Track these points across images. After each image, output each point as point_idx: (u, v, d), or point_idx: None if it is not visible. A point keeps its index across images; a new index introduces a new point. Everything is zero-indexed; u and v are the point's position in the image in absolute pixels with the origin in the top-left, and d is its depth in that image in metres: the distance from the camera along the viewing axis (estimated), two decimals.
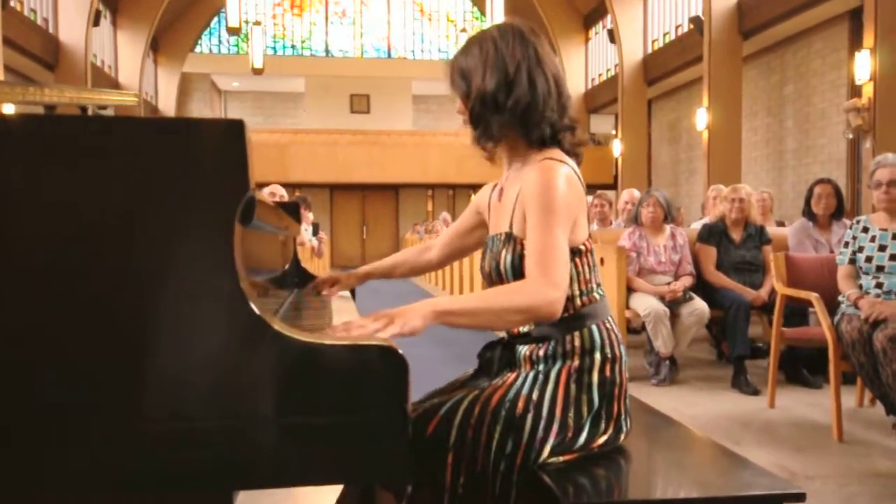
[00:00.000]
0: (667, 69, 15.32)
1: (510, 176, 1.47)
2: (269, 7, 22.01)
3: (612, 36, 16.62)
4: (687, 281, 4.27)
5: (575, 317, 1.37)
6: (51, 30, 14.44)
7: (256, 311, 0.86)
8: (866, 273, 3.14)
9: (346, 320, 1.09)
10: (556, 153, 1.39)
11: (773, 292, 4.24)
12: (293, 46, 22.33)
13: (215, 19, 21.54)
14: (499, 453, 1.29)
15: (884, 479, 2.58)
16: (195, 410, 0.87)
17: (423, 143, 20.01)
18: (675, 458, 1.33)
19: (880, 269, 3.09)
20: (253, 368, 0.88)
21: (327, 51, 22.44)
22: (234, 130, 0.84)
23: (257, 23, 18.31)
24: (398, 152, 19.47)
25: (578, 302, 1.38)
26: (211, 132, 0.85)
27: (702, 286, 4.36)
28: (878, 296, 3.05)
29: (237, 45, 21.70)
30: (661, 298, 4.15)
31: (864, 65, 8.64)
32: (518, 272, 1.36)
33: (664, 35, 15.71)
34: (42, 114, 0.78)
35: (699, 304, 4.13)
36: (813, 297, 3.23)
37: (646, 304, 4.13)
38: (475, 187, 20.65)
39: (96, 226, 0.86)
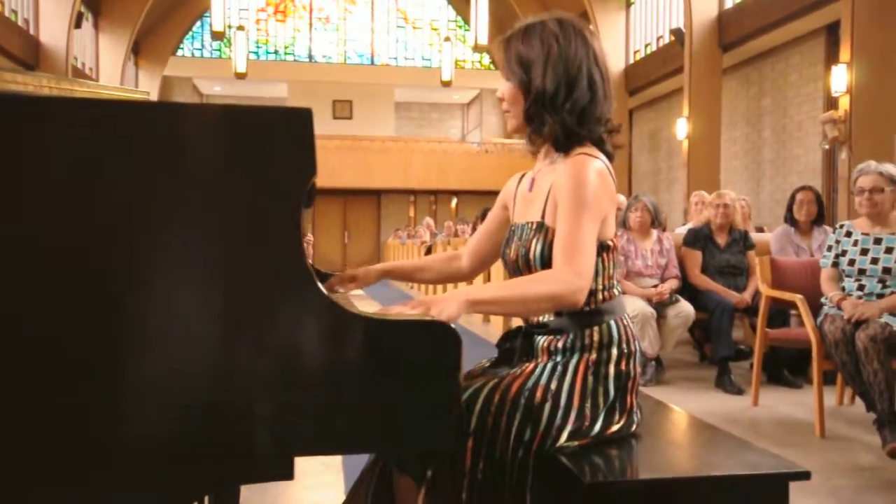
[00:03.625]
0: (648, 79, 15.55)
1: (543, 168, 1.50)
2: (252, 12, 21.98)
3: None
4: (673, 284, 4.37)
5: (595, 311, 1.41)
6: (31, 31, 14.31)
7: (321, 287, 0.91)
8: (849, 276, 3.25)
9: (385, 307, 1.14)
10: (592, 149, 1.42)
11: (756, 295, 4.36)
12: (276, 52, 22.31)
13: (198, 23, 21.46)
14: (517, 440, 1.33)
15: (867, 471, 2.68)
16: (266, 381, 0.91)
17: (406, 149, 20.09)
18: (682, 441, 1.40)
19: (862, 272, 3.20)
20: (321, 341, 0.92)
21: (310, 56, 22.45)
22: (304, 117, 0.90)
23: (241, 28, 18.29)
24: (381, 158, 19.51)
25: (600, 297, 1.42)
26: (284, 118, 0.90)
27: (687, 289, 4.46)
28: (859, 297, 3.16)
29: (220, 50, 21.63)
30: (648, 301, 4.24)
31: (840, 78, 8.88)
32: (546, 262, 1.39)
33: (646, 46, 15.95)
34: (117, 99, 0.81)
35: (685, 307, 4.23)
36: (797, 298, 3.33)
37: (633, 306, 4.21)
38: (457, 193, 20.74)
39: (180, 204, 0.91)
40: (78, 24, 14.92)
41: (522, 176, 1.61)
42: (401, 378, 0.95)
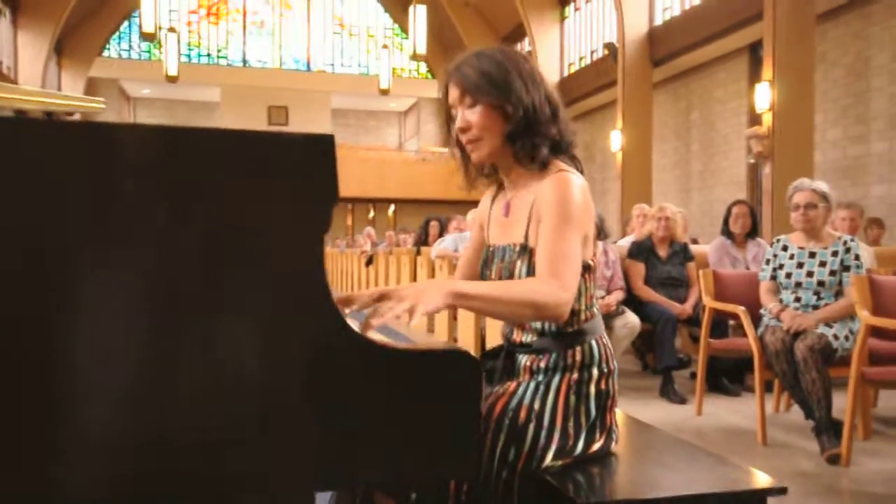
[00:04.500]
0: (582, 92, 15.95)
1: (518, 191, 1.49)
2: (184, 14, 21.38)
3: (530, 58, 17.15)
4: (619, 295, 4.48)
5: (578, 332, 1.42)
6: None
7: (345, 317, 0.90)
8: (786, 288, 3.42)
9: (373, 307, 1.13)
10: (569, 166, 1.44)
11: (696, 306, 4.52)
12: (208, 55, 21.77)
13: (126, 23, 20.73)
14: (502, 460, 1.34)
15: (809, 477, 2.81)
16: (281, 412, 0.89)
17: (344, 156, 19.90)
18: (661, 458, 1.43)
19: (798, 284, 3.37)
20: (344, 374, 0.90)
21: (244, 61, 22.00)
22: (327, 143, 0.88)
23: (172, 29, 17.79)
24: None
25: (582, 317, 1.43)
26: (308, 145, 0.88)
27: (631, 300, 4.58)
28: (796, 309, 3.32)
29: (149, 51, 20.95)
30: None
31: (763, 96, 9.33)
32: None
33: (580, 59, 16.36)
34: (164, 126, 0.77)
35: (631, 318, 4.34)
36: (739, 310, 3.47)
37: None
38: (395, 202, 20.69)
39: (202, 233, 0.88)
40: None
41: (494, 197, 1.60)
42: (422, 410, 0.94)
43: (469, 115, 1.42)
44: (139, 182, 0.85)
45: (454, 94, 1.43)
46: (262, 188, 0.87)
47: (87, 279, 0.86)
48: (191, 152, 0.86)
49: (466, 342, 5.70)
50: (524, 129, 1.39)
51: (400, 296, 1.15)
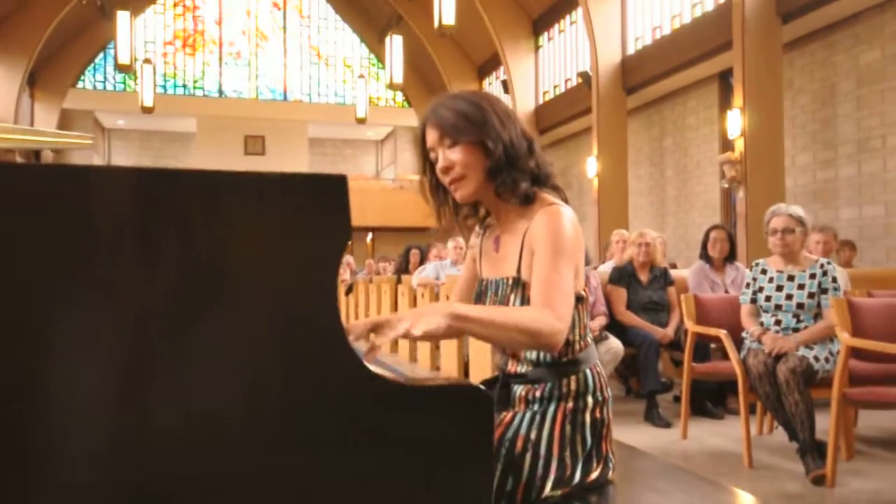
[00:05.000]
0: (557, 119, 16.18)
1: (508, 226, 1.51)
2: (159, 45, 21.38)
3: (506, 87, 17.39)
4: (602, 321, 4.51)
5: (573, 361, 1.44)
6: None
7: (358, 354, 0.90)
8: (766, 311, 3.47)
9: (374, 325, 1.15)
10: (557, 198, 1.46)
11: (678, 330, 4.57)
12: (184, 86, 21.73)
13: (100, 55, 20.66)
14: (499, 491, 1.35)
15: (794, 499, 2.84)
16: (294, 451, 0.89)
17: None
18: (658, 486, 1.44)
19: (778, 307, 3.43)
20: (357, 409, 0.91)
21: (221, 91, 22.00)
22: (341, 183, 0.89)
23: (147, 61, 17.78)
24: None
25: (577, 346, 1.45)
26: (321, 185, 0.90)
27: (614, 326, 4.62)
28: (777, 332, 3.37)
29: (124, 83, 20.87)
30: None
31: (735, 122, 9.56)
32: None
33: (555, 87, 16.62)
34: (188, 169, 0.77)
35: (614, 343, 4.36)
36: (722, 333, 3.52)
37: None
38: (374, 230, 20.68)
39: (217, 275, 0.88)
40: None
41: (484, 232, 1.62)
42: (437, 445, 0.94)
43: (450, 155, 1.43)
44: (143, 225, 0.85)
45: (433, 136, 1.45)
46: (277, 229, 0.88)
47: (97, 329, 0.85)
48: (201, 195, 0.87)
49: (450, 371, 5.68)
50: (504, 164, 1.41)
51: (399, 317, 1.18)
